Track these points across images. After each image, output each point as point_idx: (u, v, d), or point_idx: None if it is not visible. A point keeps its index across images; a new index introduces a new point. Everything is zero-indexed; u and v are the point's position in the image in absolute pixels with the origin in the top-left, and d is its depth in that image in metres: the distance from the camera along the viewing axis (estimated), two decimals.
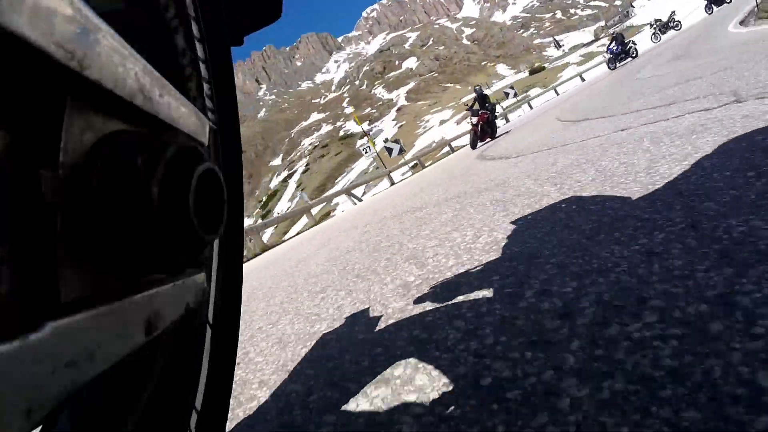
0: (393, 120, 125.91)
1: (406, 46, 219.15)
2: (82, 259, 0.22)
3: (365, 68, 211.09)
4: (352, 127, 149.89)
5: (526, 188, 2.40)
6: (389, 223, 3.50)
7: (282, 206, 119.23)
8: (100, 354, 0.21)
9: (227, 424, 0.71)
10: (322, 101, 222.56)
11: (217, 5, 0.55)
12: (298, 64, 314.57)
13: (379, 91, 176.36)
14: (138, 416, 0.38)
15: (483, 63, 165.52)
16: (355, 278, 2.09)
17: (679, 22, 27.20)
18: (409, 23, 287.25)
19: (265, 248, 10.38)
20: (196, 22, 0.48)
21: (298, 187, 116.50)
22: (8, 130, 0.17)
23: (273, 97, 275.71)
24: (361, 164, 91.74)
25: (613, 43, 21.62)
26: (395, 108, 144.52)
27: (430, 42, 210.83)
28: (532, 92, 53.67)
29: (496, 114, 14.54)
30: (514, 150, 4.98)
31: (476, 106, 13.18)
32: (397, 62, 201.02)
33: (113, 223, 0.23)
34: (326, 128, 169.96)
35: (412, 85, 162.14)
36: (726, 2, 23.73)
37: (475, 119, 12.57)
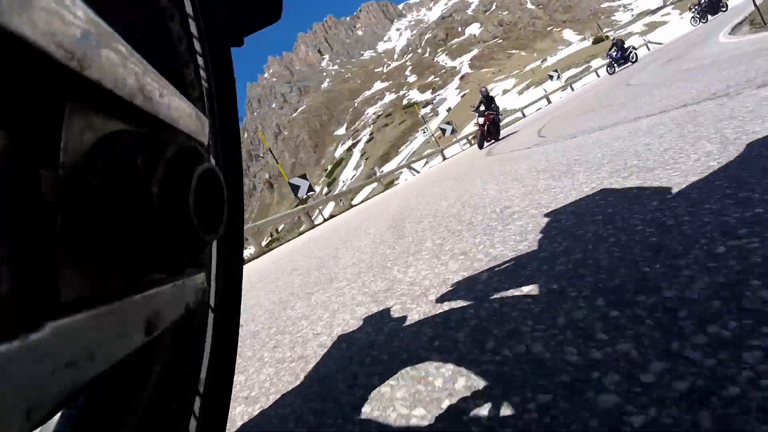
0: (456, 88, 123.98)
1: (469, 11, 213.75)
2: (82, 259, 0.23)
3: (427, 35, 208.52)
4: (415, 95, 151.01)
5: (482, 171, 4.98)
6: (425, 186, 7.05)
7: (347, 174, 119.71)
8: (100, 354, 0.21)
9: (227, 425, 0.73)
10: (385, 70, 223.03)
11: (216, 6, 0.56)
12: (360, 33, 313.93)
13: (442, 59, 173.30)
14: (137, 417, 0.38)
15: (549, 28, 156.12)
16: (419, 195, 5.64)
17: (726, 4, 24.68)
18: None
19: (351, 206, 15.22)
20: (196, 23, 0.48)
21: (362, 156, 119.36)
22: (8, 130, 0.17)
23: (336, 67, 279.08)
24: (426, 134, 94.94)
25: (613, 49, 22.10)
26: (458, 76, 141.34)
27: (493, 7, 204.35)
28: (594, 63, 55.33)
29: (500, 115, 15.14)
30: (502, 149, 7.42)
31: (482, 108, 13.46)
32: (459, 29, 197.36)
33: (113, 223, 0.24)
34: (389, 97, 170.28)
35: (475, 52, 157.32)
36: (722, 10, 23.24)
37: (481, 120, 12.91)
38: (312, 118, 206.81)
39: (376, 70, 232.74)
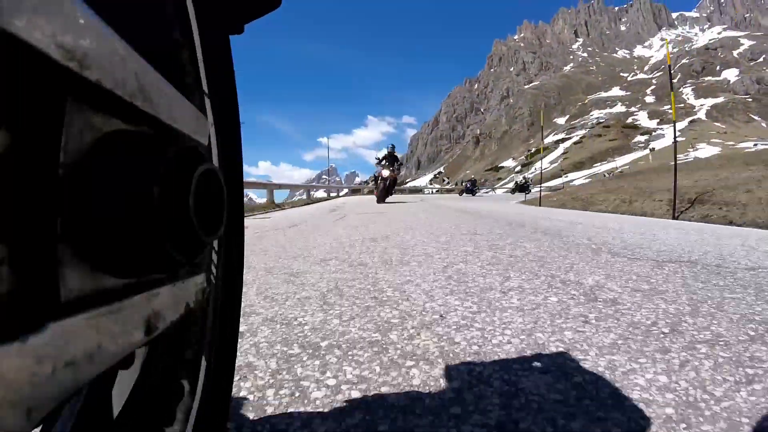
0: (679, 131, 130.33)
1: (735, 53, 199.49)
2: (82, 259, 0.23)
3: (684, 60, 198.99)
4: (642, 118, 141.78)
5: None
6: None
7: (543, 164, 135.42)
8: (100, 354, 0.22)
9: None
10: (629, 78, 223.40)
11: None
12: (622, 28, 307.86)
13: (687, 92, 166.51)
14: (136, 416, 0.39)
15: None
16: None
17: (530, 188, 30.51)
18: (753, 26, 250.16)
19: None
20: (194, 12, 0.47)
21: (563, 154, 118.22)
22: (9, 130, 0.18)
23: (585, 55, 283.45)
24: (622, 160, 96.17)
25: (469, 184, 35.62)
26: (690, 119, 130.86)
27: (761, 59, 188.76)
28: None
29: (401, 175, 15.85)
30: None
31: (385, 162, 13.17)
32: (718, 67, 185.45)
33: (113, 224, 0.24)
34: (619, 108, 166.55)
35: (720, 100, 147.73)
36: (528, 191, 28.43)
37: (386, 173, 12.49)
38: (541, 96, 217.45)
39: (621, 74, 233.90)
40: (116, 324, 0.24)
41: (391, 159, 13.57)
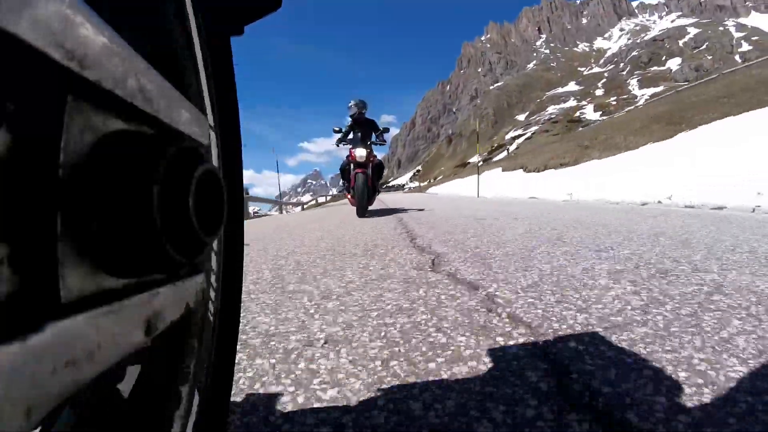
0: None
1: (681, 42, 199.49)
2: (82, 259, 0.23)
3: (634, 53, 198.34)
4: (588, 111, 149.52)
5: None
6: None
7: (500, 157, 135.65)
8: (100, 354, 0.22)
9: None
10: (585, 72, 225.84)
11: None
12: (584, 21, 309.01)
13: (632, 84, 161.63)
14: (136, 416, 0.39)
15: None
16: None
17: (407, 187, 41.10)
18: (707, 11, 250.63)
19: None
20: (194, 13, 0.47)
21: (516, 148, 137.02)
22: (9, 130, 0.18)
23: (547, 51, 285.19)
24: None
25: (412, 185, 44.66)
26: (627, 109, 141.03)
27: (704, 47, 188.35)
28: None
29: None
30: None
31: (354, 134, 6.96)
32: (663, 57, 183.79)
33: (113, 224, 0.24)
34: (571, 103, 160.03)
35: (660, 89, 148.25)
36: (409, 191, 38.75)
37: (360, 153, 6.19)
38: (503, 96, 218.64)
39: (578, 68, 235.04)
40: (116, 324, 0.24)
41: (362, 125, 7.04)
